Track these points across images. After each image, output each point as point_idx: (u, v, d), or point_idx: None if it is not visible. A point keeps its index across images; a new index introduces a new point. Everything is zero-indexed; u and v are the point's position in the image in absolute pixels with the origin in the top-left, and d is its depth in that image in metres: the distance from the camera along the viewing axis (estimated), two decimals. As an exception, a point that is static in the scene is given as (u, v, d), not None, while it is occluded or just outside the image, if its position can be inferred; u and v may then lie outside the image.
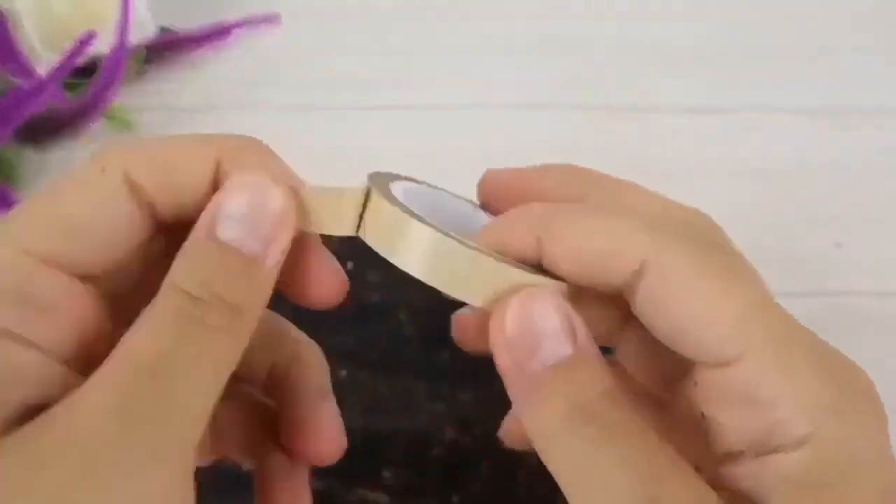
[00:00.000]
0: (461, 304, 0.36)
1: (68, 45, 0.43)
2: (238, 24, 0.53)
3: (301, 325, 0.35)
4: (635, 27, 0.54)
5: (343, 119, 0.47)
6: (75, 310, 0.18)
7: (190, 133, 0.20)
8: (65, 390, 0.17)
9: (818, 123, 0.46)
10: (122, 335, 0.17)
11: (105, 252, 0.18)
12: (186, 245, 0.18)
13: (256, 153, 0.21)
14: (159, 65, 0.50)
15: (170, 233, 0.20)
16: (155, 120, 0.47)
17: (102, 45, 0.44)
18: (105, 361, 0.17)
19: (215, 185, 0.19)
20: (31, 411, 0.17)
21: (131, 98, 0.47)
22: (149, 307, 0.17)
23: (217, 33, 0.52)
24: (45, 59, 0.44)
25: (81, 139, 0.45)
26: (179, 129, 0.47)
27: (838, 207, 0.41)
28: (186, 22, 0.52)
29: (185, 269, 0.18)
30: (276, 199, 0.19)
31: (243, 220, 0.18)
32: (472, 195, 0.42)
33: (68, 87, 0.44)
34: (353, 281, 0.38)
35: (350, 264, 0.38)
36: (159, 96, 0.49)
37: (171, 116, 0.47)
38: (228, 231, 0.18)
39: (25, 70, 0.42)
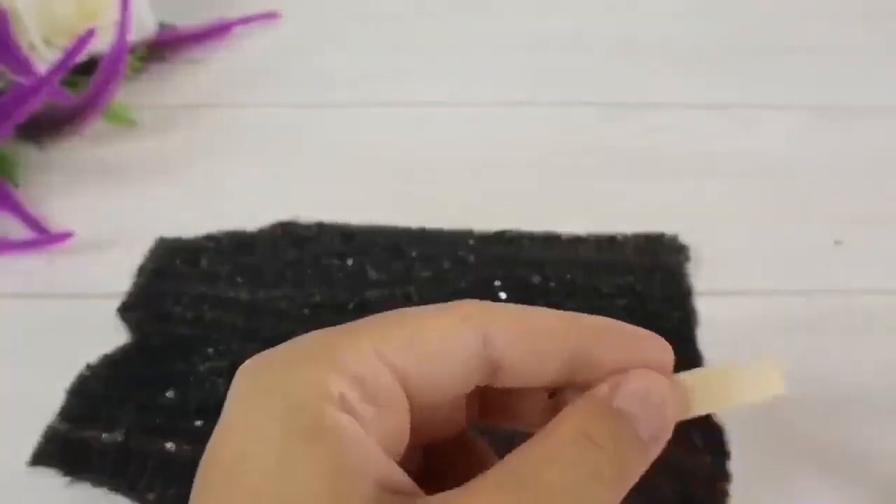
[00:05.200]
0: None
1: (68, 42, 0.43)
2: (238, 22, 0.53)
3: (303, 322, 0.36)
4: (635, 24, 0.54)
5: (343, 116, 0.47)
6: (399, 422, 0.18)
7: (549, 309, 0.20)
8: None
9: (818, 121, 0.46)
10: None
11: (437, 391, 0.19)
12: (584, 402, 0.19)
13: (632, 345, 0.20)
14: (159, 62, 0.51)
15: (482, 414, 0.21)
16: (155, 117, 0.47)
17: (102, 43, 0.44)
18: (489, 473, 0.17)
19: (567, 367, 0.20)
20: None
21: (131, 95, 0.47)
22: (543, 437, 0.18)
23: (217, 31, 0.52)
24: (45, 56, 0.44)
25: (82, 136, 0.45)
26: (179, 126, 0.47)
27: (838, 205, 0.41)
28: (186, 19, 0.52)
29: (588, 418, 0.18)
30: (670, 408, 0.19)
31: (644, 408, 0.19)
32: (470, 190, 0.43)
33: (68, 84, 0.44)
34: (352, 277, 0.38)
35: (350, 261, 0.38)
36: (159, 94, 0.49)
37: (171, 114, 0.47)
38: (626, 406, 0.18)
39: (26, 68, 0.43)
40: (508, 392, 0.20)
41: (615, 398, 0.18)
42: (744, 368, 0.21)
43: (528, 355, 0.19)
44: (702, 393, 0.20)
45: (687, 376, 0.20)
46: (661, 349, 0.20)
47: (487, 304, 0.20)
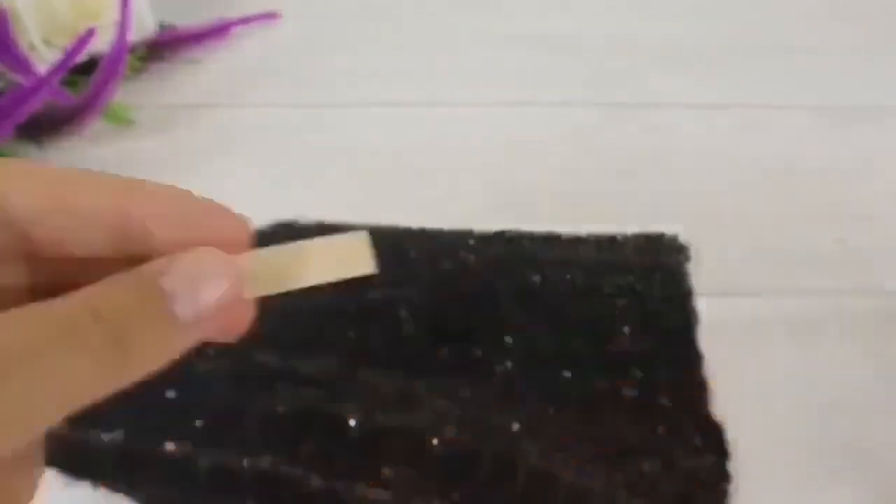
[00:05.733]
0: (462, 300, 0.36)
1: (68, 42, 0.43)
2: (237, 22, 0.53)
3: (302, 322, 0.36)
4: (635, 24, 0.54)
5: (342, 116, 0.47)
6: None
7: (96, 173, 0.17)
8: None
9: (818, 121, 0.46)
10: None
11: None
12: (120, 275, 0.17)
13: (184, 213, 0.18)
14: (159, 62, 0.50)
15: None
16: (155, 117, 0.47)
17: (102, 43, 0.44)
18: None
19: (119, 234, 0.17)
20: None
21: (130, 95, 0.47)
22: (48, 302, 0.15)
23: (216, 31, 0.52)
24: (45, 56, 0.44)
25: (81, 136, 0.45)
26: (179, 126, 0.47)
27: (839, 205, 0.41)
28: (186, 19, 0.52)
29: (105, 288, 0.16)
30: (220, 288, 0.17)
31: (187, 287, 0.17)
32: (470, 190, 0.43)
33: (68, 84, 0.44)
34: (352, 277, 0.38)
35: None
36: (159, 94, 0.49)
37: (170, 113, 0.47)
38: (169, 286, 0.16)
39: (25, 67, 0.42)
40: (64, 265, 0.17)
41: (161, 275, 0.16)
42: (326, 243, 0.20)
43: (60, 225, 0.16)
44: (277, 270, 0.19)
45: (259, 252, 0.19)
46: (232, 225, 0.18)
47: (5, 160, 0.17)
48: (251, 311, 0.19)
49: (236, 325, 0.19)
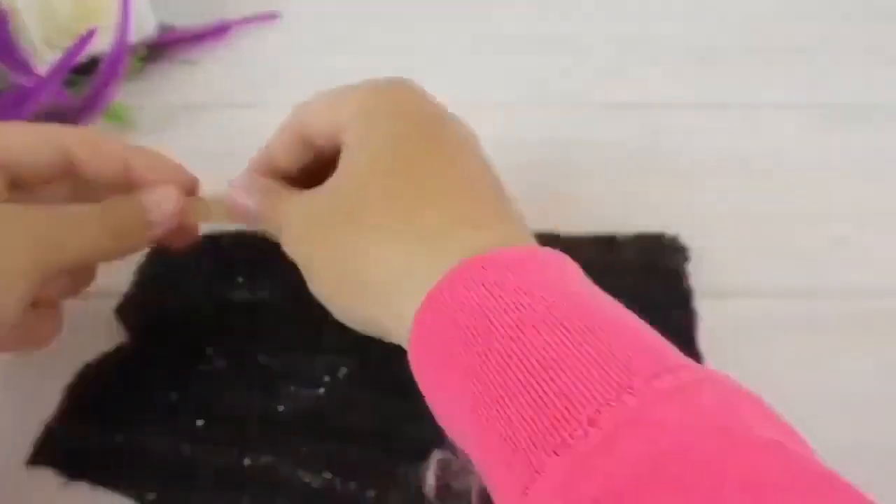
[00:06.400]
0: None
1: (69, 42, 0.43)
2: (238, 23, 0.53)
3: (303, 322, 0.36)
4: (635, 24, 0.54)
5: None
6: None
7: (116, 139, 0.32)
8: None
9: (818, 121, 0.46)
10: None
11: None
12: (121, 196, 0.31)
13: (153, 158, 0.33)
14: (159, 62, 0.51)
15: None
16: (155, 117, 0.47)
17: (103, 43, 0.44)
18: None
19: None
20: None
21: (131, 96, 0.47)
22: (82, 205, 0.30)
23: (217, 31, 0.52)
24: (45, 56, 0.44)
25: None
26: (179, 126, 0.47)
27: (837, 204, 0.41)
28: (186, 20, 0.52)
29: (113, 201, 0.31)
30: (172, 203, 0.31)
31: (155, 204, 0.31)
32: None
33: (69, 84, 0.44)
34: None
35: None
36: (159, 94, 0.49)
37: (170, 114, 0.47)
38: (146, 202, 0.31)
39: (26, 68, 0.43)
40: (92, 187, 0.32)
41: (143, 196, 0.31)
42: None
43: (95, 160, 0.31)
44: (213, 208, 0.33)
45: (209, 195, 0.33)
46: (184, 173, 0.33)
47: (65, 127, 0.31)
48: (196, 231, 0.34)
49: (188, 236, 0.33)
